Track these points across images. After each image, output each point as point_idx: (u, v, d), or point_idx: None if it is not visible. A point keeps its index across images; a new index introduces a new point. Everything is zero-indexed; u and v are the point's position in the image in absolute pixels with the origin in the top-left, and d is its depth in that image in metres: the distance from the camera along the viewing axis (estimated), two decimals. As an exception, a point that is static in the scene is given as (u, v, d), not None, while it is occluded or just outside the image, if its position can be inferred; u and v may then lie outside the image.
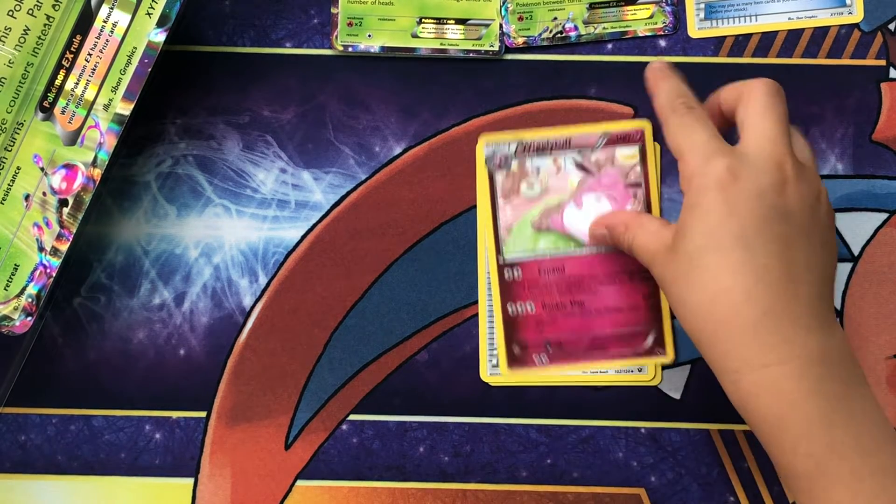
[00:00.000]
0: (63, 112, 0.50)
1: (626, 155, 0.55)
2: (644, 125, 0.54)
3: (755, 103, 0.46)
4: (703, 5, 0.57)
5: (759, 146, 0.45)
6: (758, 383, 0.43)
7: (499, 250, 0.54)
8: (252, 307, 0.56)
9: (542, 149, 0.54)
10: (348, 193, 0.56)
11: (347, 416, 0.56)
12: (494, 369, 0.55)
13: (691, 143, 0.46)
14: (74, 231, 0.50)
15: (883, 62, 0.57)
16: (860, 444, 0.43)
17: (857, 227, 0.56)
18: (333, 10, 0.56)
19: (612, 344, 0.55)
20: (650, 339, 0.55)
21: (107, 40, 0.50)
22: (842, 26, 0.57)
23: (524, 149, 0.53)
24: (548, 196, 0.54)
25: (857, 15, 0.57)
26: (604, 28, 0.56)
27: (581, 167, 0.54)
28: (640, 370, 0.56)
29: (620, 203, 0.54)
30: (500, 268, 0.54)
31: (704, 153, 0.45)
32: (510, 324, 0.55)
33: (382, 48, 0.56)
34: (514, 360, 0.54)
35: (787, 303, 0.43)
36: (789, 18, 0.57)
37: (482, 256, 0.56)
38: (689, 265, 0.44)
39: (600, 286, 0.55)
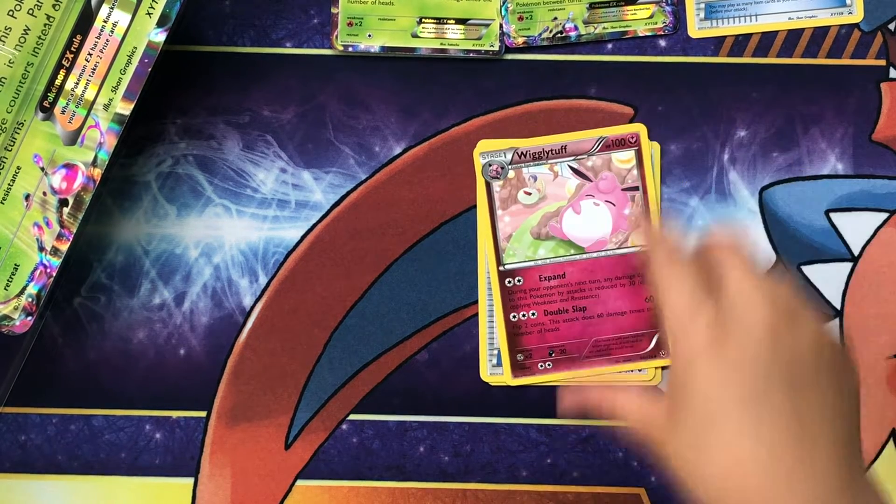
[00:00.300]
0: (63, 112, 0.50)
1: (622, 159, 0.55)
2: (639, 129, 0.54)
3: (729, 261, 0.43)
4: (703, 5, 0.57)
5: (740, 303, 0.41)
6: None
7: (499, 259, 0.55)
8: (252, 307, 0.56)
9: (538, 156, 0.54)
10: (348, 193, 0.56)
11: (347, 415, 0.56)
12: (494, 369, 0.55)
13: (672, 302, 0.43)
14: (74, 231, 0.50)
15: (883, 62, 0.57)
16: None
17: (857, 227, 0.56)
18: (333, 10, 0.56)
19: (615, 348, 0.55)
20: (653, 342, 0.55)
21: (107, 40, 0.50)
22: (842, 26, 0.57)
23: (520, 156, 0.53)
24: (546, 203, 0.54)
25: (857, 15, 0.57)
26: (604, 28, 0.56)
27: (578, 173, 0.54)
28: (640, 370, 0.56)
29: (619, 207, 0.54)
30: (501, 276, 0.55)
31: (689, 307, 0.42)
32: (513, 332, 0.55)
33: (382, 48, 0.56)
34: (519, 368, 0.55)
35: (807, 465, 0.40)
36: (789, 18, 0.57)
37: (482, 260, 0.56)
38: (695, 438, 0.41)
39: (601, 291, 0.55)
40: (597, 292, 0.55)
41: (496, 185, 0.55)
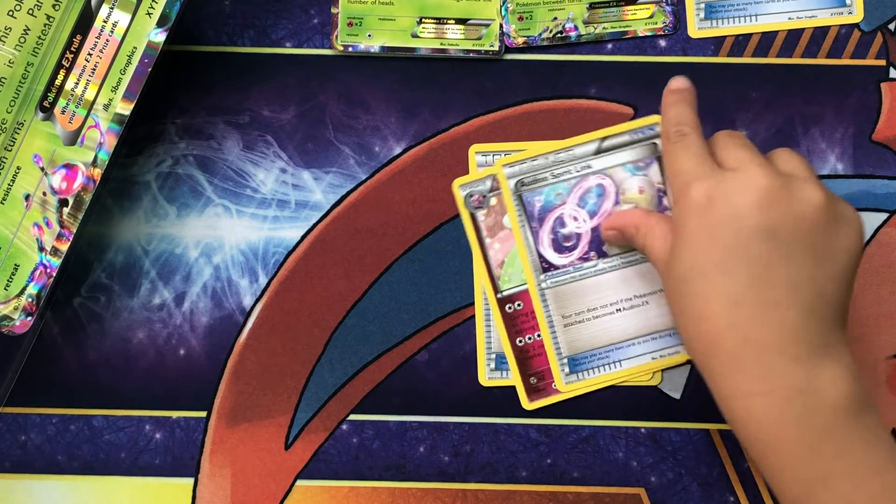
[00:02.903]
0: (63, 112, 0.50)
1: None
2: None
3: (721, 139, 0.48)
4: (703, 5, 0.57)
5: (734, 167, 0.46)
6: (745, 409, 0.43)
7: (496, 287, 0.55)
8: (252, 307, 0.56)
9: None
10: (348, 193, 0.56)
11: (347, 416, 0.56)
12: (493, 373, 0.55)
13: (675, 171, 0.47)
14: (74, 231, 0.50)
15: (883, 62, 0.57)
16: (852, 473, 0.42)
17: (857, 227, 0.56)
18: (333, 10, 0.56)
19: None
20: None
21: (107, 40, 0.50)
22: (842, 26, 0.57)
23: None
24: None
25: (857, 15, 0.57)
26: (604, 28, 0.56)
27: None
28: (640, 370, 0.56)
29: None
30: (501, 303, 0.55)
31: (686, 179, 0.46)
32: (522, 356, 0.55)
33: (382, 48, 0.56)
34: (534, 392, 0.55)
35: (770, 331, 0.43)
36: (789, 18, 0.57)
37: (478, 289, 0.56)
38: (678, 288, 0.45)
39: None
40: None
41: (480, 215, 0.55)
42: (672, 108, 0.50)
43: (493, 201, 0.55)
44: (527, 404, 0.55)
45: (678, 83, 0.50)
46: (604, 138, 0.54)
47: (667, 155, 0.49)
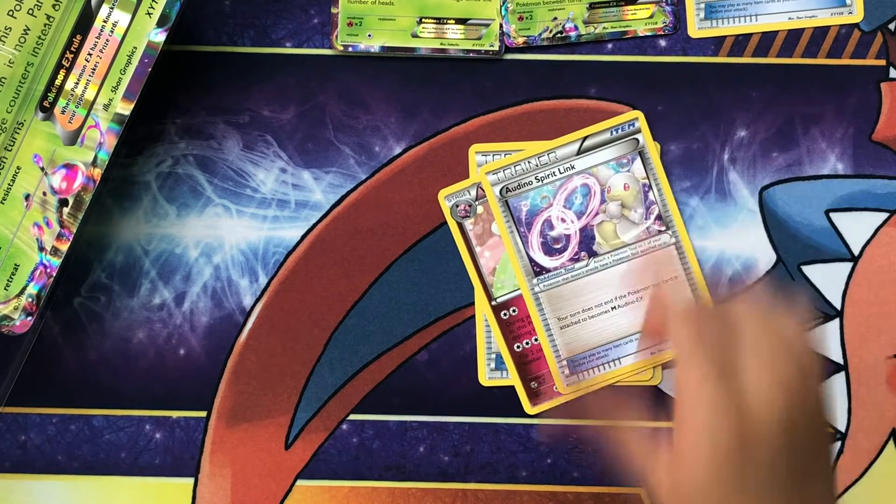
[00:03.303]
0: (63, 112, 0.50)
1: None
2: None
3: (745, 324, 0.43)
4: (703, 5, 0.57)
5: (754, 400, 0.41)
6: None
7: (489, 295, 0.55)
8: (252, 307, 0.56)
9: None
10: (348, 193, 0.56)
11: (347, 415, 0.56)
12: (493, 373, 0.55)
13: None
14: (74, 231, 0.50)
15: (883, 62, 0.57)
16: None
17: (857, 227, 0.56)
18: (333, 10, 0.56)
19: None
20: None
21: (107, 40, 0.50)
22: (842, 26, 0.57)
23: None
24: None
25: (857, 15, 0.57)
26: (604, 28, 0.56)
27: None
28: (640, 371, 0.56)
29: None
30: (496, 310, 0.55)
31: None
32: (521, 361, 0.55)
33: (382, 48, 0.56)
34: (535, 396, 0.55)
35: None
36: (789, 18, 0.57)
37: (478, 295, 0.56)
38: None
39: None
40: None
41: (468, 224, 0.55)
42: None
43: (480, 209, 0.55)
44: (529, 409, 0.55)
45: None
46: (584, 138, 0.54)
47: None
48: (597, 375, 0.55)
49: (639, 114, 0.55)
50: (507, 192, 0.54)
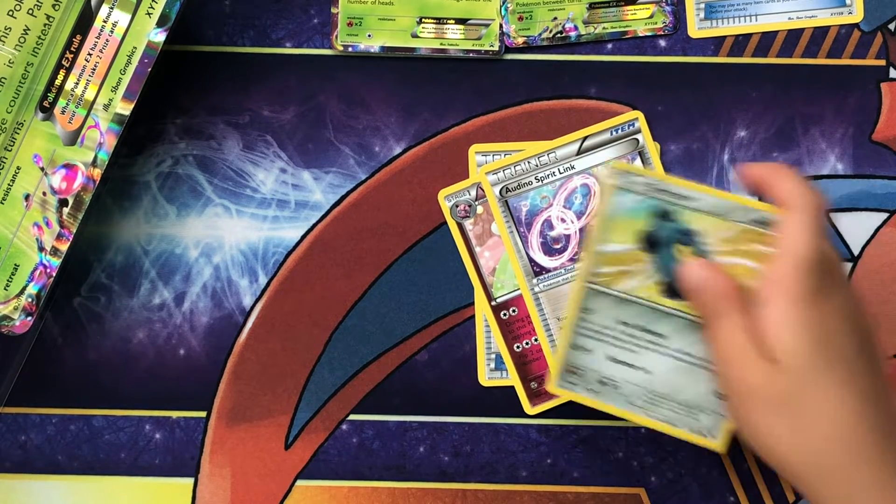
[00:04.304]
0: (63, 112, 0.50)
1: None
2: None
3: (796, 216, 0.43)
4: (703, 5, 0.57)
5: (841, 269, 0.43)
6: None
7: (489, 295, 0.55)
8: (252, 307, 0.56)
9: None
10: (348, 193, 0.56)
11: (347, 416, 0.56)
12: (493, 373, 0.55)
13: (803, 249, 0.42)
14: (74, 231, 0.50)
15: (883, 62, 0.57)
16: None
17: (857, 227, 0.56)
18: (333, 10, 0.56)
19: None
20: None
21: (107, 40, 0.50)
22: (842, 26, 0.57)
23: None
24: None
25: (857, 15, 0.57)
26: (604, 28, 0.56)
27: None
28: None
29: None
30: (496, 310, 0.55)
31: (810, 265, 0.42)
32: (521, 361, 0.55)
33: (382, 48, 0.56)
34: (535, 396, 0.55)
35: (890, 417, 0.42)
36: (789, 18, 0.57)
37: (478, 296, 0.56)
38: (796, 385, 0.41)
39: None
40: None
41: (468, 224, 0.55)
42: (792, 174, 0.44)
43: (480, 210, 0.55)
44: (529, 409, 0.55)
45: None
46: (584, 138, 0.54)
47: (800, 222, 0.42)
48: None
49: (639, 114, 0.55)
50: (506, 192, 0.54)
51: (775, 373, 0.41)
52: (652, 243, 0.46)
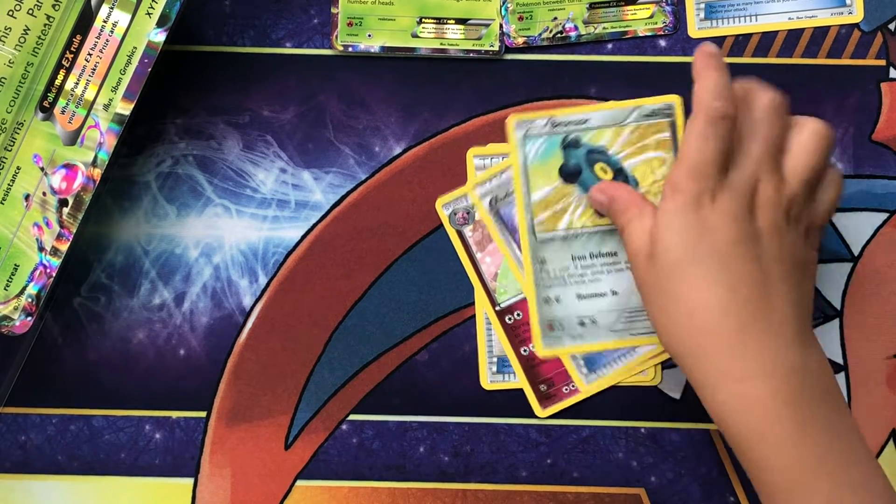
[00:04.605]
0: (63, 112, 0.50)
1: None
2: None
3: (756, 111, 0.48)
4: (703, 5, 0.57)
5: (740, 171, 0.46)
6: (734, 396, 0.44)
7: (493, 300, 0.55)
8: (252, 307, 0.56)
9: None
10: (348, 193, 0.56)
11: (347, 416, 0.56)
12: (494, 376, 0.55)
13: (692, 155, 0.46)
14: (74, 231, 0.50)
15: (883, 62, 0.57)
16: (835, 460, 0.43)
17: (857, 227, 0.56)
18: (333, 10, 0.56)
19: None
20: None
21: (107, 40, 0.50)
22: (842, 26, 0.57)
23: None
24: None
25: (857, 15, 0.57)
26: (604, 28, 0.56)
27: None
28: (642, 372, 0.56)
29: None
30: (500, 315, 0.55)
31: (698, 170, 0.45)
32: (528, 365, 0.55)
33: (382, 48, 0.56)
34: (546, 399, 0.55)
35: (764, 317, 0.44)
36: (789, 18, 0.57)
37: (479, 304, 0.56)
38: (667, 277, 0.45)
39: None
40: None
41: (467, 231, 0.55)
42: (711, 75, 0.46)
43: (479, 216, 0.55)
44: (540, 412, 0.55)
45: (710, 48, 0.47)
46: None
47: (690, 132, 0.46)
48: (615, 370, 0.55)
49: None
50: (496, 202, 0.54)
51: (650, 266, 0.46)
52: (571, 173, 0.52)
